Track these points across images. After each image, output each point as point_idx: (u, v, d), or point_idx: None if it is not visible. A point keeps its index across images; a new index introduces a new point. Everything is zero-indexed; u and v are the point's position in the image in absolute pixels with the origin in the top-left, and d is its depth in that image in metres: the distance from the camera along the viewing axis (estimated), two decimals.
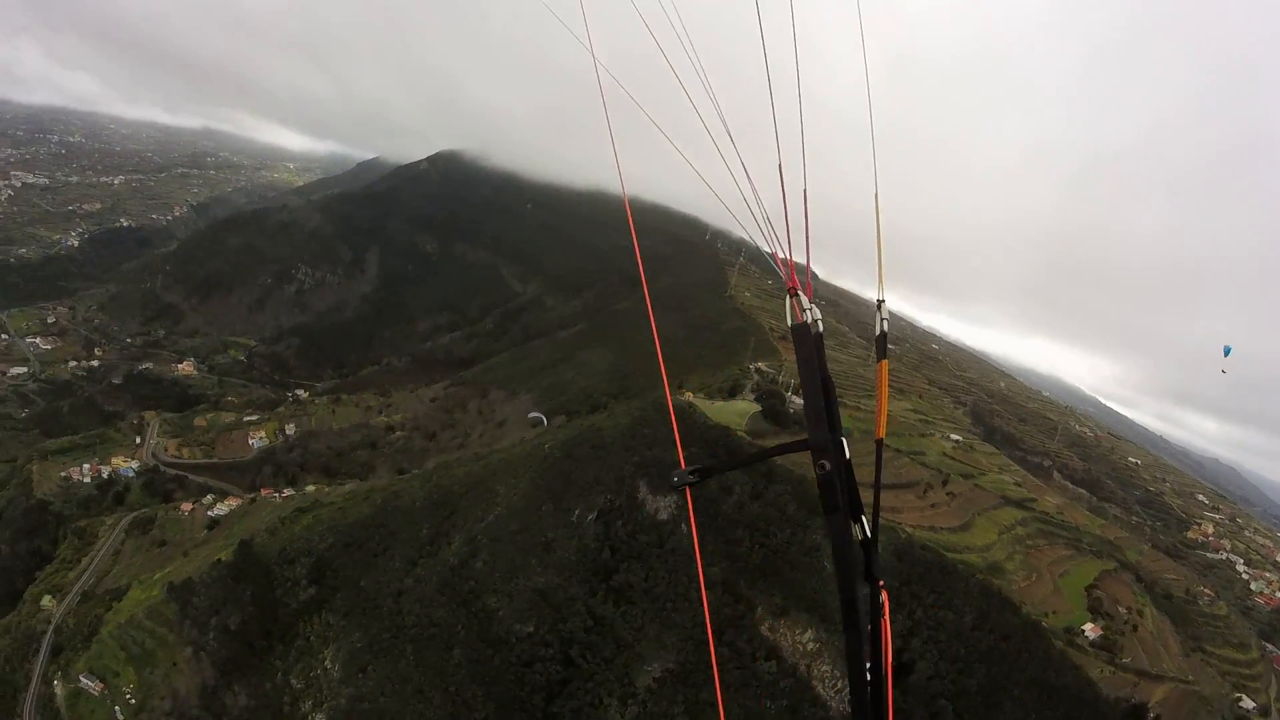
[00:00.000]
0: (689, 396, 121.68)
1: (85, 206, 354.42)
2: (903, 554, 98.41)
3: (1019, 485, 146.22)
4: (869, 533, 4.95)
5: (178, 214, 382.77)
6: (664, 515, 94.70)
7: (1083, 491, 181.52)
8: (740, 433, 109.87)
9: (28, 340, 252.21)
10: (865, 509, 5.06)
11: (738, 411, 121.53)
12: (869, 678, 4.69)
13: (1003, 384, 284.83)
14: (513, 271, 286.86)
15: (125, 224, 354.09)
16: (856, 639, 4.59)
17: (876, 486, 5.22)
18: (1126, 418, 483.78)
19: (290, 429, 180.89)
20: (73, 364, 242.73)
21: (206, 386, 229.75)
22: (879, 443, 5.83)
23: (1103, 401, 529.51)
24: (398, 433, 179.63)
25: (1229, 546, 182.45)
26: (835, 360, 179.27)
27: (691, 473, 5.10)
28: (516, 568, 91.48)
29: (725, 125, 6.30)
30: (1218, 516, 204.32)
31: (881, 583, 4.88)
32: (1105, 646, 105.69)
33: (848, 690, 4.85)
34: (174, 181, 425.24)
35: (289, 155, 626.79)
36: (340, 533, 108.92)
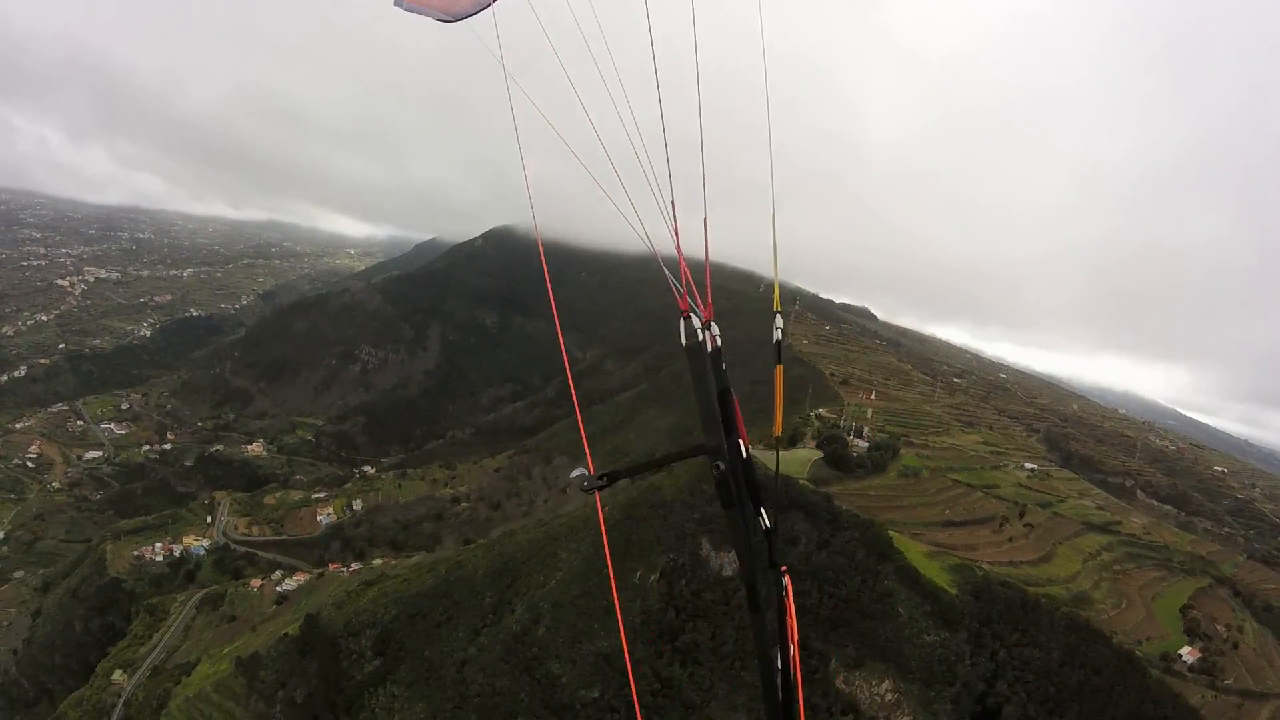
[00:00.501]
0: None
1: (156, 298, 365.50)
2: (980, 593, 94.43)
3: (1101, 509, 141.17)
4: (769, 523, 5.15)
5: (245, 302, 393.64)
6: (729, 571, 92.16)
7: (1169, 508, 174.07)
8: (803, 481, 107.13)
9: (103, 426, 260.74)
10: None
11: (799, 460, 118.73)
12: (779, 662, 4.97)
13: (1076, 406, 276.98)
14: (572, 339, 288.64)
15: (195, 314, 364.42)
16: (762, 624, 4.90)
17: (776, 479, 5.83)
18: (1209, 426, 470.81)
19: (357, 504, 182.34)
20: (146, 448, 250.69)
21: (275, 466, 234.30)
22: (776, 440, 6.70)
23: (1182, 412, 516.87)
24: (463, 504, 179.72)
25: None
26: (900, 400, 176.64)
27: (600, 477, 5.45)
28: (579, 633, 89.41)
29: (645, 157, 6.43)
30: None
31: (784, 568, 5.05)
32: (1205, 670, 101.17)
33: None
34: (240, 272, 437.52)
35: (350, 241, 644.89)
36: (405, 604, 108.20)
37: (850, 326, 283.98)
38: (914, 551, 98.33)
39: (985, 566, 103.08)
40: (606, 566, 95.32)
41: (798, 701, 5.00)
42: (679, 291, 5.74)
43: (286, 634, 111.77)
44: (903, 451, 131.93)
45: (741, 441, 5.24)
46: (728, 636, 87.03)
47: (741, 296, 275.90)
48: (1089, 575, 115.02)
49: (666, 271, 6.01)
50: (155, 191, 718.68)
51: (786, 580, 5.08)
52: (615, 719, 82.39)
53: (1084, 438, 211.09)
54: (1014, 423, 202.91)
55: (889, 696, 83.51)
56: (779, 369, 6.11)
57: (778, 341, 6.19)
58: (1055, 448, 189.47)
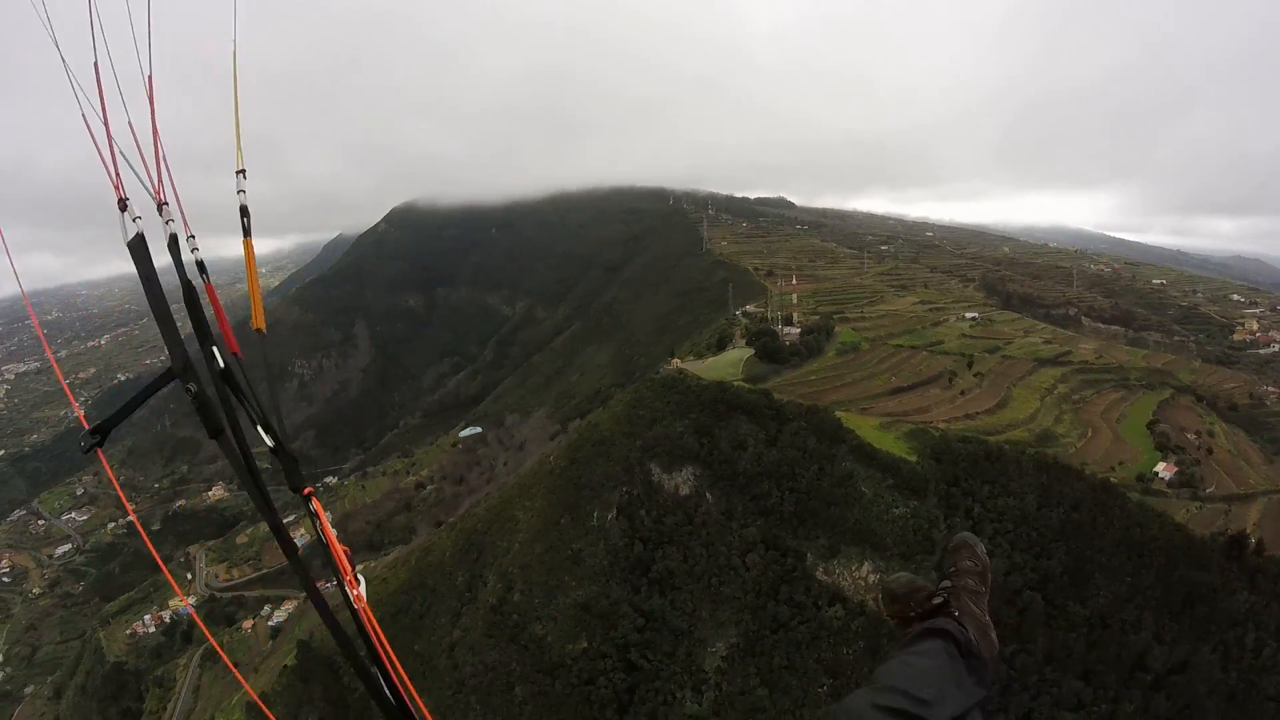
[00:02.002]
0: (675, 363, 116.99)
1: (81, 375, 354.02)
2: (941, 454, 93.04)
3: (1049, 343, 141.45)
4: (273, 442, 4.20)
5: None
6: (685, 490, 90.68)
7: (1116, 328, 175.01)
8: (738, 382, 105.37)
9: (65, 517, 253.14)
10: None
11: (730, 362, 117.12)
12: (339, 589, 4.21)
13: (1006, 249, 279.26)
14: (498, 298, 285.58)
15: (123, 378, 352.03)
16: (299, 564, 4.03)
17: (271, 385, 4.84)
18: (1140, 243, 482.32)
19: (326, 517, 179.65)
20: (111, 525, 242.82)
21: (240, 504, 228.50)
22: (259, 332, 5.11)
23: (1112, 235, 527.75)
24: (428, 487, 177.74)
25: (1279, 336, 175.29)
26: (829, 279, 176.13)
27: (92, 433, 4.11)
28: (553, 588, 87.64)
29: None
30: (1258, 311, 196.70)
31: (308, 490, 4.13)
32: (1184, 482, 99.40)
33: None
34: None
35: (259, 260, 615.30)
36: (385, 604, 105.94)
37: (768, 219, 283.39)
38: (865, 427, 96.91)
39: (941, 425, 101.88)
40: (567, 515, 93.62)
41: (376, 635, 3.87)
42: (114, 178, 4.43)
43: (286, 666, 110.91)
44: (838, 329, 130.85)
45: (216, 349, 4.13)
46: (699, 556, 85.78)
47: (653, 215, 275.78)
48: (1049, 411, 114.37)
49: (99, 151, 4.50)
50: (50, 268, 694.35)
51: (315, 505, 4.14)
52: (609, 664, 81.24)
53: (1020, 277, 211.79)
54: (948, 277, 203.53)
55: (871, 578, 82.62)
56: (247, 242, 5.13)
57: (242, 205, 5.07)
58: (993, 292, 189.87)
